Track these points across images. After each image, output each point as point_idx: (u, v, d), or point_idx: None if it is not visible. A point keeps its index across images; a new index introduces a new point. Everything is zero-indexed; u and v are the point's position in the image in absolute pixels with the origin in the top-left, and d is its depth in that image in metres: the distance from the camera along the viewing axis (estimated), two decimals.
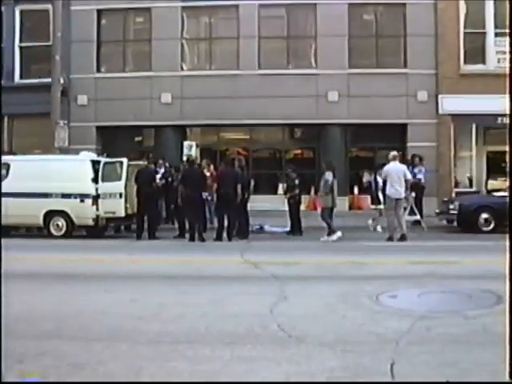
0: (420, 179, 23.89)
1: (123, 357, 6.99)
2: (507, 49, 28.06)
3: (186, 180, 21.03)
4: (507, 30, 25.66)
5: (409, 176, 20.82)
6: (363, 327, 8.24)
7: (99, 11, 32.23)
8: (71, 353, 7.09)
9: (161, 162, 24.93)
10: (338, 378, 6.24)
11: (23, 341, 7.41)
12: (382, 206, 22.67)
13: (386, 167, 20.83)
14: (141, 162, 23.27)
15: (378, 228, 22.78)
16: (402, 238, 19.92)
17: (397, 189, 20.15)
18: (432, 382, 6.15)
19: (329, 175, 20.98)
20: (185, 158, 25.01)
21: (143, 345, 7.46)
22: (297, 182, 22.52)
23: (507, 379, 5.74)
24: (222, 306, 9.61)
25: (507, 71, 21.68)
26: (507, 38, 27.34)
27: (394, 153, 21.14)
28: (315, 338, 7.62)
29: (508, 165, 27.76)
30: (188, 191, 20.65)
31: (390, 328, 8.09)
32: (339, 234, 20.41)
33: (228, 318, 8.70)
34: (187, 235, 21.05)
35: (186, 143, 28.43)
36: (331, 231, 20.53)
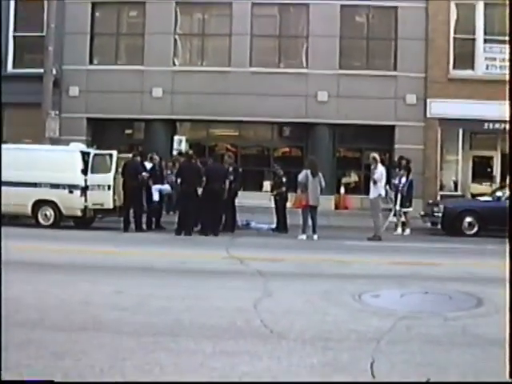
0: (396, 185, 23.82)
1: (106, 347, 7.02)
2: (507, 56, 28.17)
3: (184, 174, 21.17)
4: (507, 38, 25.82)
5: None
6: (345, 325, 8.31)
7: (93, 4, 32.33)
8: (55, 342, 7.13)
9: (150, 155, 24.89)
10: (319, 373, 6.34)
11: (7, 329, 7.36)
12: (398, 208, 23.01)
13: (382, 168, 21.17)
14: (130, 155, 23.31)
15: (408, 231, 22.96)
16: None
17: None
18: (412, 382, 6.23)
19: (302, 174, 21.16)
20: (175, 153, 25.12)
21: (127, 336, 7.49)
22: (284, 179, 22.66)
23: (507, 379, 5.83)
24: (206, 300, 9.67)
25: (507, 78, 21.81)
26: (507, 46, 27.42)
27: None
28: (297, 335, 7.68)
29: (508, 167, 27.90)
30: (185, 186, 20.80)
31: (371, 327, 8.16)
32: (303, 236, 20.56)
33: (212, 312, 8.77)
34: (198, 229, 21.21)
35: (175, 137, 28.55)
36: (303, 230, 20.75)
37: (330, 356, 6.88)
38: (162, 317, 8.50)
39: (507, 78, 22.90)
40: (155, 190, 22.61)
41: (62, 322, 8.20)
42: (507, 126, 27.18)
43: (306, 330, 7.99)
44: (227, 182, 21.30)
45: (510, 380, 5.81)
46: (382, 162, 22.10)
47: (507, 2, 24.25)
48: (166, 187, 23.56)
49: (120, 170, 21.85)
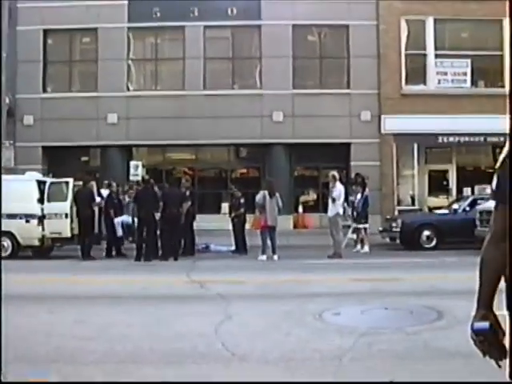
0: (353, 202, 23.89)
1: (69, 377, 7.00)
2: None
3: (141, 200, 21.14)
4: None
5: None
6: (307, 344, 8.35)
7: (45, 31, 32.09)
8: (16, 373, 7.04)
9: (107, 182, 24.78)
10: None
11: None
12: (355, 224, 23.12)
13: (341, 186, 21.31)
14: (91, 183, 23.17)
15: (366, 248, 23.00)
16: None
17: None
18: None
19: (260, 195, 21.26)
20: (132, 178, 25.07)
21: (89, 365, 7.48)
22: (242, 201, 22.71)
23: (507, 379, 5.86)
24: (168, 325, 9.66)
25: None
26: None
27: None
28: (259, 356, 7.72)
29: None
30: (142, 212, 20.77)
31: (333, 345, 8.22)
32: (263, 257, 20.58)
33: (173, 338, 8.77)
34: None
35: (132, 163, 28.43)
36: (262, 251, 20.80)
37: (292, 376, 6.89)
38: (124, 344, 8.46)
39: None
40: (118, 223, 22.53)
41: (23, 353, 8.10)
42: (466, 139, 27.52)
43: (268, 351, 8.02)
44: (184, 206, 21.29)
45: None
46: (340, 180, 22.21)
47: (507, 4, 24.47)
48: (126, 219, 23.40)
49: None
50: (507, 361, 5.98)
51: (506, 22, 25.51)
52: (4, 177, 24.25)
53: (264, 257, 20.49)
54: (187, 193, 22.09)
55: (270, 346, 8.28)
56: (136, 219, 21.64)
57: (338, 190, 21.15)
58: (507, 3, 23.67)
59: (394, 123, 30.06)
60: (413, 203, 31.47)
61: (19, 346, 8.49)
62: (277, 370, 7.17)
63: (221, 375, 6.95)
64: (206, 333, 8.97)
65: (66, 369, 7.35)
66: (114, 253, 22.32)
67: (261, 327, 9.47)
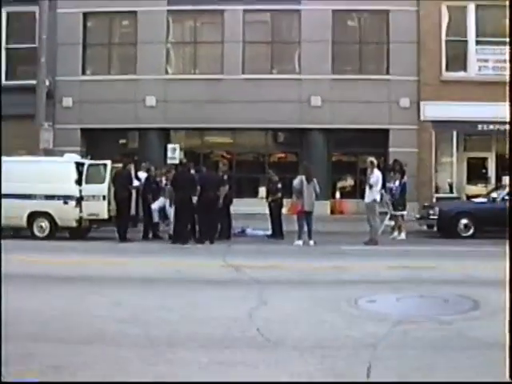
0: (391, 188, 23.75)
1: (107, 359, 7.02)
2: (505, 57, 28.15)
3: (178, 183, 21.16)
4: (507, 39, 25.83)
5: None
6: (341, 332, 8.31)
7: (85, 14, 32.25)
8: (56, 355, 7.10)
9: (143, 165, 24.84)
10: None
11: (9, 343, 7.36)
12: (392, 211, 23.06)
13: (379, 173, 21.20)
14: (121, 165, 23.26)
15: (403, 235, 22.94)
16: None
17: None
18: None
19: (297, 180, 21.21)
20: (169, 161, 25.11)
21: (126, 348, 7.50)
22: (279, 185, 22.70)
23: (507, 379, 5.83)
24: (202, 309, 9.68)
25: (507, 79, 21.79)
26: (507, 47, 27.35)
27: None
28: (293, 343, 7.66)
29: (508, 168, 27.90)
30: (179, 194, 20.80)
31: (367, 332, 8.15)
32: (300, 242, 20.57)
33: (208, 322, 8.76)
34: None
35: (169, 146, 28.52)
36: (298, 236, 20.77)
37: (327, 363, 6.86)
38: (160, 328, 8.50)
39: (507, 78, 22.92)
40: (154, 210, 22.57)
41: (63, 334, 8.19)
42: (507, 127, 27.28)
43: (303, 337, 7.99)
44: (222, 190, 21.31)
45: (509, 380, 5.82)
46: (378, 166, 22.10)
47: (507, 3, 24.24)
48: (163, 203, 23.31)
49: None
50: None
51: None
52: (43, 158, 24.59)
53: (300, 242, 20.48)
54: (225, 177, 22.09)
55: (304, 333, 8.26)
56: (173, 202, 21.69)
57: (376, 176, 21.05)
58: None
59: (433, 110, 29.83)
60: (451, 191, 31.21)
61: (59, 327, 8.58)
62: (311, 356, 7.11)
63: (255, 361, 6.93)
64: (240, 317, 8.97)
65: (103, 350, 7.38)
66: (150, 235, 22.44)
67: (295, 313, 9.44)
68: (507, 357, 5.89)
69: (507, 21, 25.90)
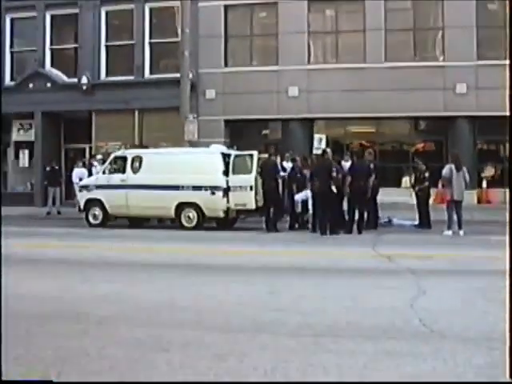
0: None
1: (266, 348, 6.96)
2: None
3: (316, 173, 21.08)
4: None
5: None
6: (505, 324, 8.08)
7: (226, 7, 32.76)
8: (214, 343, 7.13)
9: (287, 155, 24.94)
10: (487, 375, 6.12)
11: (167, 330, 7.57)
12: None
13: None
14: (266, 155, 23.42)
15: None
16: None
17: None
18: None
19: (447, 168, 20.80)
20: (315, 151, 25.11)
21: (285, 337, 7.43)
22: (426, 174, 22.34)
23: (507, 379, 5.61)
24: (361, 299, 9.57)
25: (507, 75, 20.83)
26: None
27: None
28: (458, 334, 7.50)
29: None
30: (317, 184, 20.73)
31: None
32: (449, 232, 20.18)
33: (368, 312, 8.67)
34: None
35: (316, 136, 28.49)
36: (448, 226, 20.39)
37: (496, 357, 6.62)
38: (319, 317, 8.43)
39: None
40: (297, 202, 22.59)
41: (219, 322, 8.21)
42: None
43: (466, 328, 7.79)
44: (371, 180, 21.16)
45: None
46: None
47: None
48: (306, 194, 23.30)
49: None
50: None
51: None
52: (190, 149, 25.05)
53: (450, 232, 20.11)
54: (371, 166, 21.90)
55: (467, 324, 8.04)
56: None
57: None
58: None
59: None
60: None
61: (214, 315, 8.64)
62: (477, 348, 6.93)
63: (421, 352, 6.79)
64: (401, 308, 8.83)
65: (262, 339, 7.35)
66: (296, 226, 22.48)
67: (456, 304, 9.23)
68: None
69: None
